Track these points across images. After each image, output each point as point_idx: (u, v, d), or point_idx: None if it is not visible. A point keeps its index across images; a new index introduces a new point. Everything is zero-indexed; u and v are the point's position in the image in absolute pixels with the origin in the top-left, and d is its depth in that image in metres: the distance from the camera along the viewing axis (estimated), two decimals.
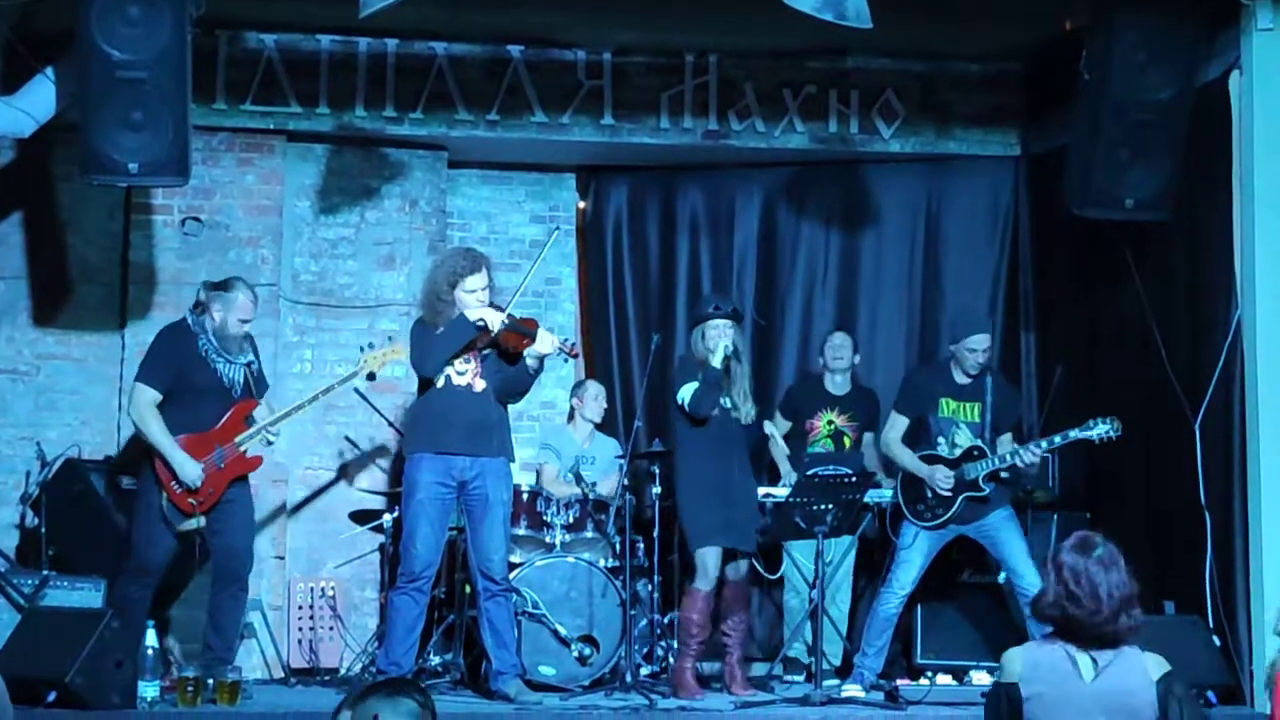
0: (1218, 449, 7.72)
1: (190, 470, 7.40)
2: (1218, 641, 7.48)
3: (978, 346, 8.00)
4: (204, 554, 7.64)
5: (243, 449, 7.58)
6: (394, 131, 9.14)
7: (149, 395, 7.51)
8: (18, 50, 8.14)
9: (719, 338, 7.71)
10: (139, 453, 7.75)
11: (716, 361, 7.66)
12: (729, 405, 7.77)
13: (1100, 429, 7.69)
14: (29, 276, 8.96)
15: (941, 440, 8.06)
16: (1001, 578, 8.18)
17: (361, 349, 8.02)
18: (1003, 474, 7.88)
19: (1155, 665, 4.31)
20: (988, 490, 7.89)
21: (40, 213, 8.96)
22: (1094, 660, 4.27)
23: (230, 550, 7.58)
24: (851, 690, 7.65)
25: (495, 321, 7.39)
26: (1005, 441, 8.04)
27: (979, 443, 7.96)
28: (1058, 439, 7.83)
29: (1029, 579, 7.87)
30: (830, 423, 8.95)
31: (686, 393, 7.72)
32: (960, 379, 8.07)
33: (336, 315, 9.14)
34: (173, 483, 7.41)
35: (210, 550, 7.59)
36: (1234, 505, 7.60)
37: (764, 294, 9.85)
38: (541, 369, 7.68)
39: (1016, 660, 4.37)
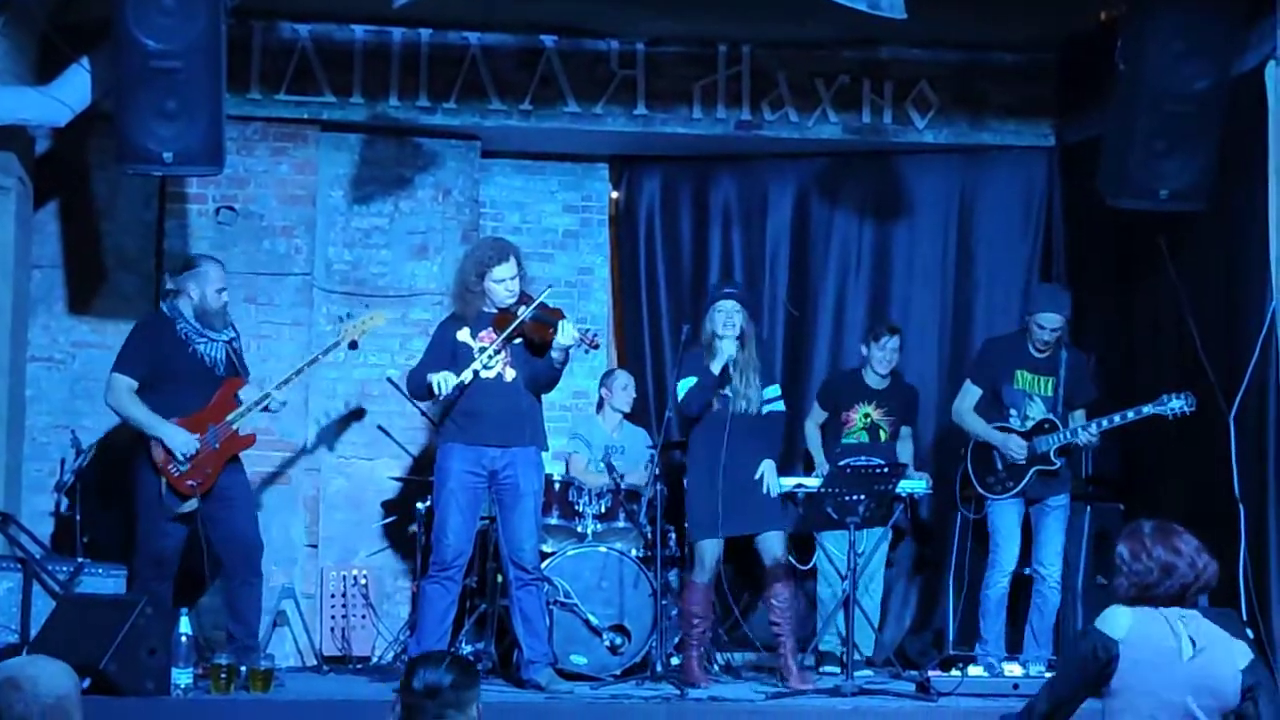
0: (1253, 441, 7.69)
1: (182, 439, 7.37)
2: (1251, 634, 7.43)
3: (1046, 325, 8.01)
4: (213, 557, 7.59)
5: (235, 427, 7.56)
6: (427, 121, 9.15)
7: (125, 382, 7.49)
8: (54, 40, 8.19)
9: (727, 319, 7.65)
10: (129, 445, 7.69)
11: (715, 367, 7.64)
12: (729, 394, 7.69)
13: (1175, 404, 7.64)
14: (65, 265, 9.02)
15: (1013, 412, 8.06)
16: (1027, 569, 8.16)
17: (341, 319, 8.04)
18: (1071, 447, 7.90)
19: (1241, 654, 4.34)
20: (1059, 464, 7.90)
21: (76, 202, 9.00)
22: (1193, 641, 4.31)
23: (235, 538, 7.57)
24: (976, 671, 7.55)
25: (448, 386, 7.32)
26: (1078, 417, 8.04)
27: (1051, 416, 7.95)
28: (1130, 414, 7.81)
29: (1053, 574, 7.86)
30: (866, 415, 8.91)
31: (681, 389, 7.74)
32: (1036, 352, 8.06)
33: (370, 304, 9.10)
34: (170, 465, 7.39)
35: (215, 543, 7.53)
36: (1269, 498, 7.56)
37: (797, 285, 9.82)
38: (567, 362, 7.60)
39: (1124, 619, 4.35)
